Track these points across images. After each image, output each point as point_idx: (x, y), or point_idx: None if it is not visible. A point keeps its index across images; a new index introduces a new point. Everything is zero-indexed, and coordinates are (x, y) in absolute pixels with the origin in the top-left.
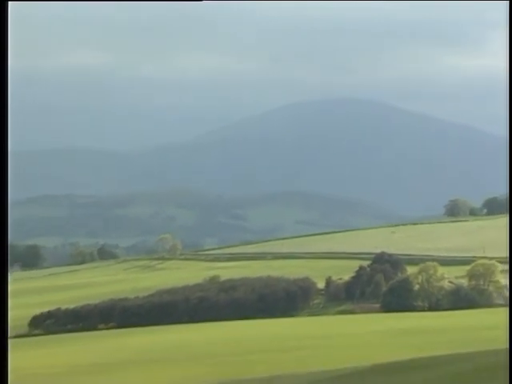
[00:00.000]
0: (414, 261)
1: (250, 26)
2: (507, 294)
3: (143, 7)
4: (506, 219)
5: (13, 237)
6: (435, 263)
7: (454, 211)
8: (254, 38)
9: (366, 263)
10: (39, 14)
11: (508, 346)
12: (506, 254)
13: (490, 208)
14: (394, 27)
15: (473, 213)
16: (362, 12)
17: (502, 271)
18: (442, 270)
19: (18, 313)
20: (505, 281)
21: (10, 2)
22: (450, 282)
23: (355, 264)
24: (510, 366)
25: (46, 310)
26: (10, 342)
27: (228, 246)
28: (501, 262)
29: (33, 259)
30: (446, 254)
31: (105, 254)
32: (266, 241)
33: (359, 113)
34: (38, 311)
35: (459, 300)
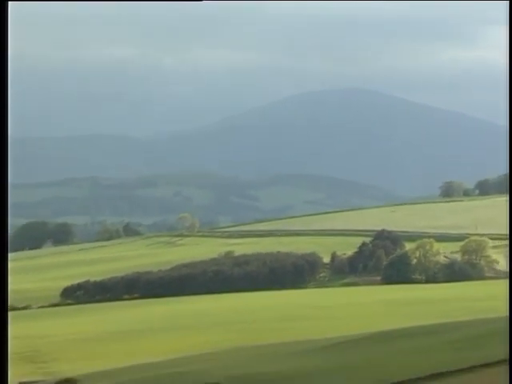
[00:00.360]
0: (412, 237)
1: (263, 21)
2: (497, 267)
3: (167, 7)
4: (496, 199)
5: (44, 215)
6: (431, 239)
7: (449, 192)
8: (267, 33)
9: (368, 240)
10: (79, 12)
11: (508, 329)
12: (498, 231)
13: (482, 189)
14: (397, 24)
15: (466, 193)
16: (369, 10)
17: (493, 247)
18: (437, 246)
19: (51, 284)
20: (495, 256)
21: (10, 2)
22: (445, 256)
23: (358, 240)
24: (509, 352)
25: (76, 282)
26: (44, 310)
27: (241, 224)
28: (492, 239)
29: (64, 236)
30: (441, 231)
31: (129, 231)
32: (277, 219)
33: (365, 102)
34: (69, 283)
35: (453, 273)
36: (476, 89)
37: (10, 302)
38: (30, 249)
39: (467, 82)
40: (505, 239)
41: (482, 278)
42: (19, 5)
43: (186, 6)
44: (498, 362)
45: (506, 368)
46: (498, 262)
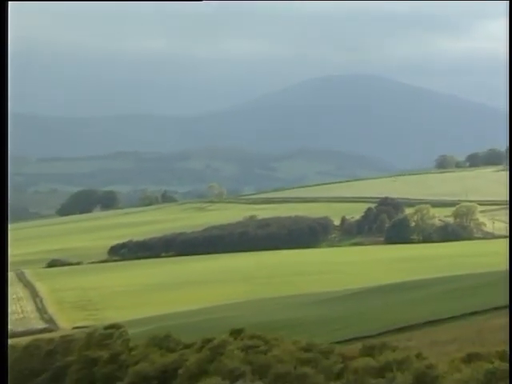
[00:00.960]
0: (410, 203)
1: (281, 16)
2: (485, 229)
3: (197, 4)
4: (484, 171)
5: (92, 184)
6: (428, 205)
7: (443, 164)
8: (285, 25)
9: (372, 205)
10: (124, 10)
11: (508, 313)
12: (485, 198)
13: (472, 161)
14: (398, 17)
15: (458, 165)
16: (373, 5)
17: (481, 211)
18: (433, 211)
19: (100, 243)
20: (482, 219)
21: (9, 2)
22: (440, 220)
23: (364, 206)
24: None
25: (121, 241)
26: (94, 266)
27: (263, 192)
28: (480, 204)
29: (110, 202)
30: (436, 198)
31: (167, 198)
32: (293, 188)
33: (369, 86)
34: (115, 242)
35: (447, 234)
36: (466, 74)
37: (66, 258)
38: (81, 213)
39: (459, 69)
40: (491, 205)
41: (471, 238)
42: (81, 5)
43: (214, 4)
44: (486, 311)
45: (492, 315)
46: (485, 225)
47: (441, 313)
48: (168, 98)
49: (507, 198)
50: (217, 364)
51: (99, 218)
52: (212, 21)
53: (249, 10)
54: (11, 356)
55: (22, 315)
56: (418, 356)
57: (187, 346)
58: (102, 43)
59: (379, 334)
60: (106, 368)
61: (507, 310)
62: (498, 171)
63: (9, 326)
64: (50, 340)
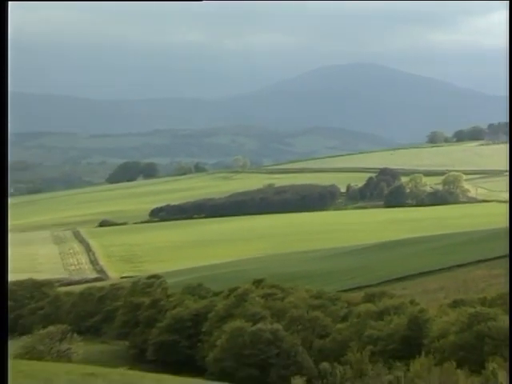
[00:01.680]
0: (406, 173)
1: (297, 12)
2: (469, 194)
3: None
4: (469, 145)
5: (136, 157)
6: (421, 174)
7: (434, 139)
8: (297, 22)
9: (373, 175)
10: (161, 8)
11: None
12: (469, 168)
13: (459, 137)
14: (395, 13)
15: (446, 140)
16: (373, 4)
17: (465, 180)
18: (425, 179)
19: (142, 207)
20: (467, 186)
21: (10, 2)
22: (431, 187)
23: (366, 176)
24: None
25: (160, 205)
26: (137, 226)
27: (280, 164)
28: (465, 174)
29: (151, 172)
30: (427, 169)
31: (198, 169)
32: (306, 160)
33: (371, 73)
34: (154, 206)
35: (436, 199)
36: (454, 64)
37: (114, 219)
38: (127, 181)
39: (447, 58)
40: (474, 174)
41: (457, 202)
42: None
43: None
44: (469, 263)
45: (474, 267)
46: (469, 191)
47: (431, 265)
48: (200, 83)
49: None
50: (241, 309)
51: (141, 185)
52: (237, 18)
53: (267, 9)
54: (69, 301)
55: (77, 267)
56: (412, 302)
57: (216, 294)
58: (147, 37)
59: (379, 284)
60: (147, 312)
61: (487, 263)
62: (481, 145)
63: (66, 276)
64: (101, 288)
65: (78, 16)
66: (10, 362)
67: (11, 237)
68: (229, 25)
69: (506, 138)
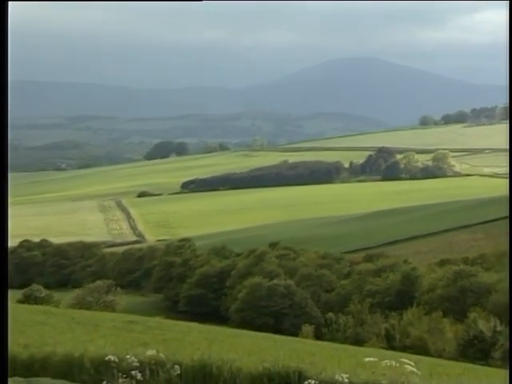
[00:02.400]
0: (400, 151)
1: (304, 12)
2: (454, 169)
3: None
4: (455, 127)
5: (169, 137)
6: (413, 152)
7: (424, 122)
8: (307, 20)
9: (372, 153)
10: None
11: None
12: (455, 147)
13: (446, 120)
14: (389, 14)
15: (435, 123)
16: (372, 4)
17: (452, 157)
18: (417, 157)
19: (175, 180)
20: (453, 162)
21: (10, 2)
22: (422, 163)
23: (366, 153)
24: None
25: (190, 179)
26: (170, 197)
27: (292, 143)
28: (451, 151)
29: (182, 150)
30: (419, 147)
31: (222, 148)
32: (314, 140)
33: (371, 66)
34: (185, 179)
35: (427, 173)
36: (444, 57)
37: (150, 190)
38: (161, 158)
39: (437, 53)
40: (459, 152)
41: (444, 176)
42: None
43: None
44: (454, 228)
45: (458, 232)
46: (454, 166)
47: (422, 230)
48: (223, 75)
49: (488, 168)
50: (259, 267)
51: (174, 161)
52: (252, 17)
53: (278, 8)
54: (113, 260)
55: (119, 231)
56: (405, 261)
57: (237, 255)
58: (175, 36)
59: (377, 246)
60: (179, 269)
61: (469, 229)
62: (465, 127)
63: (110, 239)
64: (140, 249)
65: (114, 16)
66: (62, 311)
67: (65, 205)
68: (245, 23)
69: (486, 120)
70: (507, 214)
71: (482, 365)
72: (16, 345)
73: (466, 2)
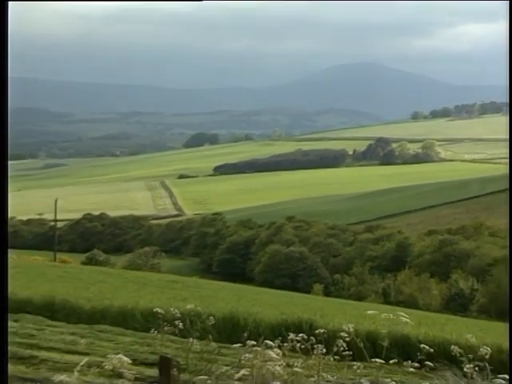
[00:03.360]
0: (395, 141)
1: (318, 24)
2: (440, 155)
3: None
4: (441, 120)
5: (204, 129)
6: (406, 142)
7: (415, 116)
8: (319, 32)
9: (372, 142)
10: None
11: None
12: (441, 137)
13: (433, 115)
14: (386, 27)
15: (425, 117)
16: (371, 17)
17: (438, 145)
18: (409, 145)
19: (208, 165)
20: (439, 150)
21: (10, 2)
22: (413, 150)
23: (367, 143)
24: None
25: (220, 163)
26: (204, 178)
27: (306, 134)
28: (437, 141)
29: (214, 140)
30: (411, 137)
31: (248, 138)
32: (325, 131)
33: (372, 70)
34: (217, 164)
35: (417, 159)
36: (434, 63)
37: (188, 173)
38: (197, 146)
39: (428, 59)
40: (444, 141)
41: (432, 161)
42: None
43: (278, 12)
44: (440, 204)
45: (443, 207)
46: (440, 153)
47: (412, 206)
48: (248, 76)
49: (469, 155)
50: (278, 236)
51: (208, 149)
52: (275, 28)
53: (298, 22)
54: (158, 230)
55: (163, 206)
56: (399, 232)
57: (260, 226)
58: (208, 44)
59: (375, 219)
60: (212, 238)
61: (452, 204)
62: (449, 121)
63: (155, 213)
64: (180, 221)
65: (153, 28)
66: (117, 271)
67: (118, 185)
68: (269, 34)
69: (467, 115)
70: (483, 192)
71: (462, 316)
72: (81, 298)
73: (450, 17)
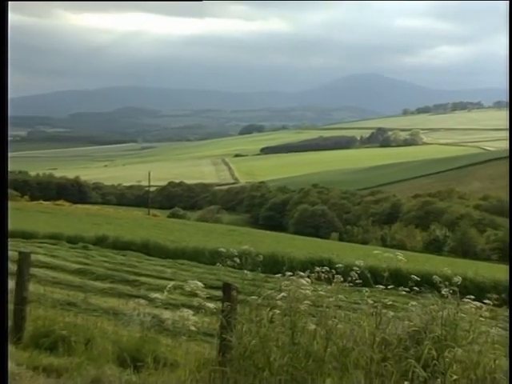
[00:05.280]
0: (391, 130)
1: (333, 45)
2: (423, 141)
3: (294, 32)
4: (424, 115)
5: (252, 122)
6: (398, 130)
7: (405, 112)
8: (336, 50)
9: (374, 131)
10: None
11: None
12: (425, 127)
13: (419, 111)
14: (378, 47)
15: (412, 113)
16: (373, 38)
17: (422, 133)
18: (400, 133)
19: (255, 147)
20: (422, 136)
21: (9, 2)
22: (404, 137)
23: (370, 131)
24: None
25: (264, 146)
26: (253, 157)
27: (325, 125)
28: (421, 129)
29: (260, 129)
30: (402, 127)
31: (284, 128)
32: (339, 123)
33: (371, 79)
34: (262, 146)
35: (407, 143)
36: (413, 73)
37: (242, 153)
38: (248, 134)
39: (413, 71)
40: (425, 130)
41: (417, 144)
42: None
43: (306, 36)
44: (422, 176)
45: (426, 178)
46: (423, 139)
47: (403, 177)
48: (283, 84)
49: (446, 140)
50: (306, 198)
51: (255, 136)
52: (303, 47)
53: (319, 42)
54: (220, 194)
55: (224, 177)
56: (393, 195)
57: (293, 191)
58: (252, 59)
59: (376, 186)
60: (259, 199)
61: (430, 176)
62: (430, 115)
63: (218, 181)
64: (236, 187)
65: (217, 48)
66: (192, 223)
67: (192, 162)
68: (299, 52)
69: (443, 112)
70: (453, 167)
71: (438, 255)
72: (167, 241)
73: (429, 41)
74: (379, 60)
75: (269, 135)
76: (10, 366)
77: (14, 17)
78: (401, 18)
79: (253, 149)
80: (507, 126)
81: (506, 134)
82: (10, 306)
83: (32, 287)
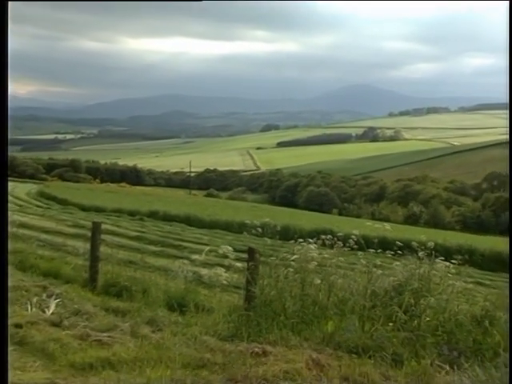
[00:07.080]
0: (379, 128)
1: (337, 62)
2: (405, 137)
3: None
4: (405, 117)
5: (270, 122)
6: (385, 128)
7: (391, 115)
8: (339, 66)
9: (366, 129)
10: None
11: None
12: (412, 126)
13: (401, 114)
14: (372, 63)
15: (396, 115)
16: (366, 56)
17: (403, 131)
18: (386, 131)
19: (273, 141)
20: (404, 133)
21: (10, 2)
22: (389, 134)
23: (362, 129)
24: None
25: (281, 140)
26: (270, 149)
27: (328, 125)
28: (403, 128)
29: (276, 128)
30: (388, 126)
31: (295, 127)
32: (341, 123)
33: (366, 89)
34: (278, 141)
35: (391, 139)
36: (397, 84)
37: (262, 146)
38: (267, 131)
39: (399, 83)
40: (406, 128)
41: (399, 140)
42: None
43: (313, 55)
44: (403, 164)
45: (415, 164)
46: (404, 136)
47: (388, 165)
48: (294, 92)
49: (424, 135)
50: (312, 182)
51: (273, 133)
52: (311, 63)
53: (324, 59)
54: (245, 178)
55: (248, 165)
56: (381, 180)
57: (302, 176)
58: (270, 73)
59: (367, 172)
60: (275, 183)
61: (410, 165)
62: (410, 117)
63: (244, 168)
64: (257, 173)
65: (244, 66)
66: (223, 201)
67: (222, 153)
68: (308, 67)
69: (420, 114)
70: (427, 157)
71: (415, 226)
72: (204, 215)
73: (409, 59)
74: (371, 74)
75: (283, 132)
76: (88, 307)
77: (91, 44)
78: (388, 41)
79: (271, 143)
80: (507, 125)
81: (468, 132)
82: (87, 263)
83: (102, 249)
